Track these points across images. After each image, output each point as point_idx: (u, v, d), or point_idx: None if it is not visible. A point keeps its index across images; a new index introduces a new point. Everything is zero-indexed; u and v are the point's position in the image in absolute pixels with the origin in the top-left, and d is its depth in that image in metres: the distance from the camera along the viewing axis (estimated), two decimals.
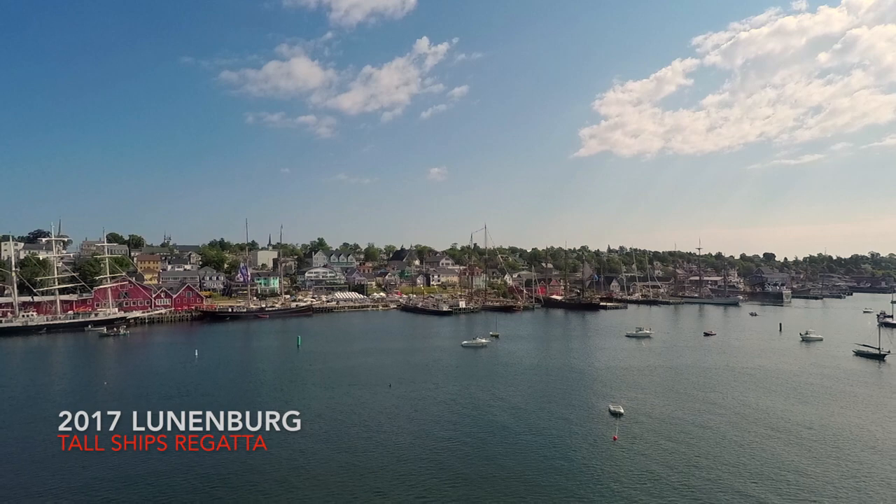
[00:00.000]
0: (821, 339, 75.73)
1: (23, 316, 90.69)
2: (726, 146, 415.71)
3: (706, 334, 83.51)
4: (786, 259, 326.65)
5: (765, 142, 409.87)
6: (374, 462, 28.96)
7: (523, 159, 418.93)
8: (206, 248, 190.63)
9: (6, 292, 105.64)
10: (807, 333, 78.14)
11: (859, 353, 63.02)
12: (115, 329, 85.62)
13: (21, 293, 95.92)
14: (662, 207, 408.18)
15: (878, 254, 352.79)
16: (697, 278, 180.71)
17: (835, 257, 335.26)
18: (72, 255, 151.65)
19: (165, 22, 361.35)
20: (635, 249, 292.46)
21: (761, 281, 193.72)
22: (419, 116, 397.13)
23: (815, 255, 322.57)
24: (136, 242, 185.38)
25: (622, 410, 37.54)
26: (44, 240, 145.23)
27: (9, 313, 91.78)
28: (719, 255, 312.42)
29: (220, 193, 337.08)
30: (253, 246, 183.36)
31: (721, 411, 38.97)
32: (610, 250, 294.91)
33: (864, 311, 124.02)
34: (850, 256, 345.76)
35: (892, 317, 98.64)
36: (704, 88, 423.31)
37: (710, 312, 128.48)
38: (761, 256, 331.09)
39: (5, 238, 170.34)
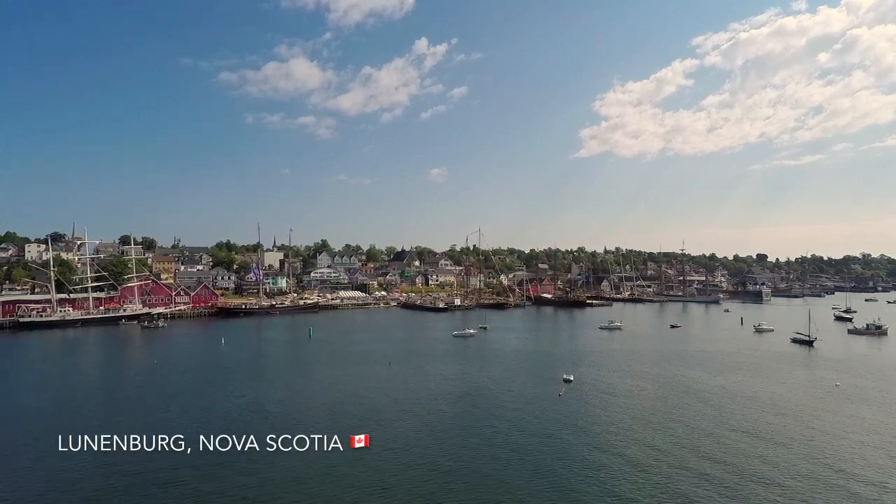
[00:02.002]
0: (772, 330, 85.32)
1: (60, 311, 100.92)
2: (727, 147, 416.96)
3: (672, 326, 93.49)
4: (777, 260, 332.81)
5: (765, 142, 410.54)
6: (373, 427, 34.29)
7: (523, 160, 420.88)
8: (215, 250, 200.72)
9: (36, 290, 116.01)
10: (759, 325, 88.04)
11: (794, 340, 72.99)
12: (155, 322, 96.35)
13: (60, 290, 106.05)
14: (663, 208, 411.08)
15: (869, 254, 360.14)
16: (682, 278, 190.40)
17: (826, 258, 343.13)
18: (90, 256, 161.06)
19: (164, 23, 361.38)
20: (630, 250, 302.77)
21: (743, 280, 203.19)
22: (419, 117, 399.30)
23: (808, 256, 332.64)
24: (148, 244, 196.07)
25: (572, 378, 47.48)
26: (77, 242, 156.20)
27: (47, 309, 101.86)
28: (713, 256, 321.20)
29: (220, 194, 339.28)
30: (259, 247, 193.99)
31: (651, 378, 49.02)
32: (606, 251, 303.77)
33: (833, 308, 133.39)
34: (842, 257, 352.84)
35: (847, 312, 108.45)
36: (705, 89, 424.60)
37: (688, 309, 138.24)
38: (754, 257, 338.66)
39: (27, 240, 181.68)
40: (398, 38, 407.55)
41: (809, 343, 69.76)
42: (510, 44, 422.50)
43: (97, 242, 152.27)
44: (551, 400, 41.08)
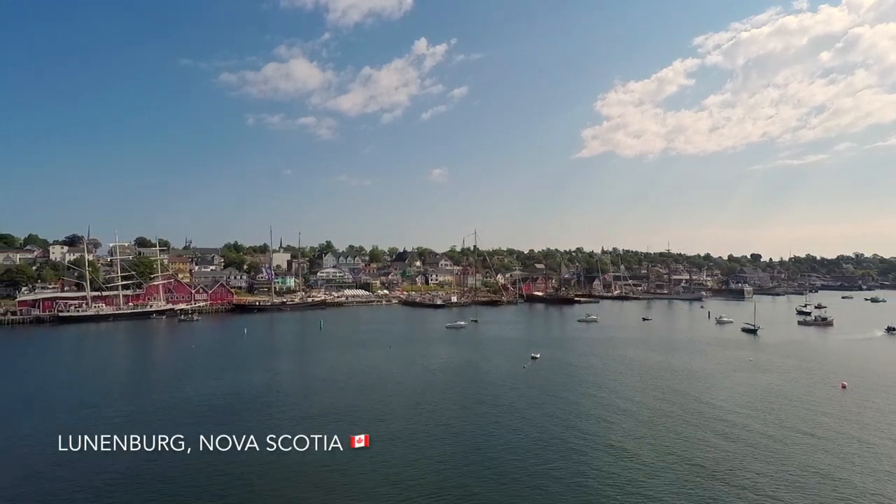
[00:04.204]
0: (731, 322, 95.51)
1: (94, 307, 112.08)
2: (729, 146, 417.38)
3: (644, 319, 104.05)
4: (770, 259, 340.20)
5: (768, 142, 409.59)
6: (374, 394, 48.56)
7: (525, 160, 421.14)
8: (226, 251, 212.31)
9: (65, 288, 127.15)
10: (721, 318, 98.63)
11: (743, 330, 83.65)
12: (190, 316, 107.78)
13: (81, 288, 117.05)
14: (665, 208, 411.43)
15: (862, 254, 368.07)
16: (668, 277, 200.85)
17: (819, 257, 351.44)
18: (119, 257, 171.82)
19: (163, 23, 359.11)
20: (627, 251, 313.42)
21: (727, 280, 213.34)
22: (419, 118, 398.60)
23: (803, 256, 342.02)
24: (162, 245, 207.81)
25: (538, 356, 58.20)
26: (92, 243, 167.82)
27: (83, 305, 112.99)
28: (707, 256, 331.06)
29: (223, 195, 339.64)
30: (265, 248, 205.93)
31: (603, 357, 59.85)
32: (603, 251, 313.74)
33: (805, 304, 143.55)
34: (835, 257, 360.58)
35: (806, 307, 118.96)
36: (706, 88, 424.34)
37: (671, 306, 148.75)
38: (748, 257, 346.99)
39: (46, 242, 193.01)
40: (397, 39, 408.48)
41: (754, 332, 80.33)
42: (510, 44, 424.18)
43: (125, 245, 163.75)
44: (518, 371, 51.87)
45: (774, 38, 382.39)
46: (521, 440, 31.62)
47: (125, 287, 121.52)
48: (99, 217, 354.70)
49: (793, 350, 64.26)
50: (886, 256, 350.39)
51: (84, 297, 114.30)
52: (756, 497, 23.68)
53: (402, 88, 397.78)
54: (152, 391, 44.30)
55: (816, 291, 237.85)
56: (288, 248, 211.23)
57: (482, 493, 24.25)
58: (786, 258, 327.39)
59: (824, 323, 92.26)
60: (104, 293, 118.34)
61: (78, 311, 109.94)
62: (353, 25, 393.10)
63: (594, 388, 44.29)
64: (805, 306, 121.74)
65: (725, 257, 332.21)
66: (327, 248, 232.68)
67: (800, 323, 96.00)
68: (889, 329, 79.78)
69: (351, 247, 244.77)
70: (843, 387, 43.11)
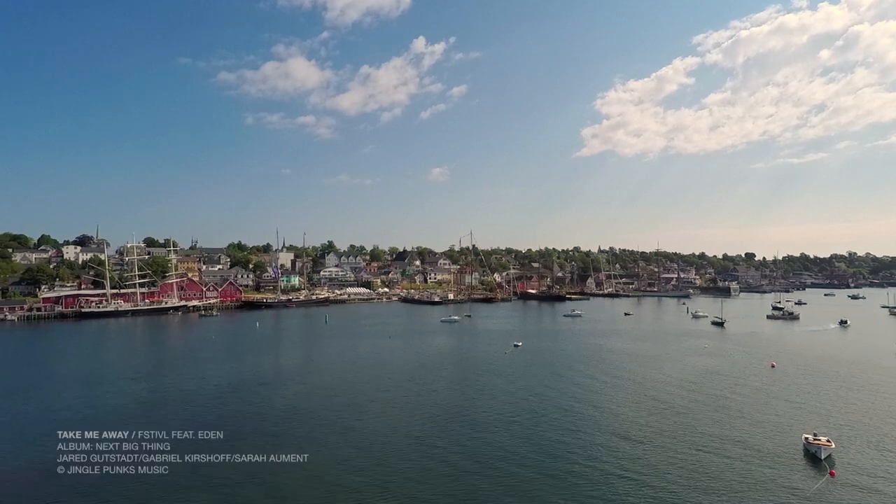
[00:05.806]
0: (706, 317, 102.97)
1: (114, 303, 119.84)
2: (729, 145, 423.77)
3: (626, 314, 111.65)
4: (764, 258, 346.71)
5: (768, 140, 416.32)
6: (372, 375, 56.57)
7: (525, 159, 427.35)
8: (231, 250, 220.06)
9: (81, 286, 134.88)
10: (696, 312, 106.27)
11: (713, 323, 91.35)
12: (209, 311, 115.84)
13: (101, 286, 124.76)
14: (665, 207, 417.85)
15: (855, 253, 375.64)
16: (658, 275, 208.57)
17: (812, 256, 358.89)
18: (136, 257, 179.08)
19: (161, 23, 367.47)
20: (623, 250, 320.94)
21: (714, 278, 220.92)
22: (419, 117, 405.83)
23: (797, 255, 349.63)
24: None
25: (520, 344, 65.87)
26: (102, 243, 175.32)
27: (103, 301, 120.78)
28: (702, 255, 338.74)
29: (223, 195, 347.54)
30: (268, 248, 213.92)
31: (577, 345, 67.47)
32: (600, 251, 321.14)
33: (779, 300, 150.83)
34: (829, 255, 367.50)
35: (779, 303, 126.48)
36: (706, 87, 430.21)
37: (658, 303, 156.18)
38: (742, 256, 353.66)
39: (56, 242, 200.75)
40: (396, 37, 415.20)
41: (721, 325, 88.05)
42: (509, 42, 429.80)
43: (140, 245, 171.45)
44: (501, 356, 59.61)
45: (774, 36, 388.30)
46: (497, 393, 40.42)
47: (141, 285, 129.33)
48: (101, 217, 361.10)
49: (749, 339, 71.87)
50: (879, 255, 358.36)
51: (104, 295, 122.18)
52: (678, 429, 31.29)
53: (402, 87, 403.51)
54: (183, 375, 51.91)
55: (804, 289, 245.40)
56: (291, 248, 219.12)
57: (468, 443, 31.05)
58: (773, 257, 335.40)
59: (791, 317, 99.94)
60: (122, 290, 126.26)
61: (99, 307, 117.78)
62: (352, 24, 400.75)
63: (563, 367, 51.90)
64: (779, 302, 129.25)
65: (721, 256, 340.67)
66: (329, 247, 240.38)
67: (769, 317, 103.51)
68: (841, 322, 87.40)
69: (352, 246, 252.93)
70: (773, 366, 50.72)
